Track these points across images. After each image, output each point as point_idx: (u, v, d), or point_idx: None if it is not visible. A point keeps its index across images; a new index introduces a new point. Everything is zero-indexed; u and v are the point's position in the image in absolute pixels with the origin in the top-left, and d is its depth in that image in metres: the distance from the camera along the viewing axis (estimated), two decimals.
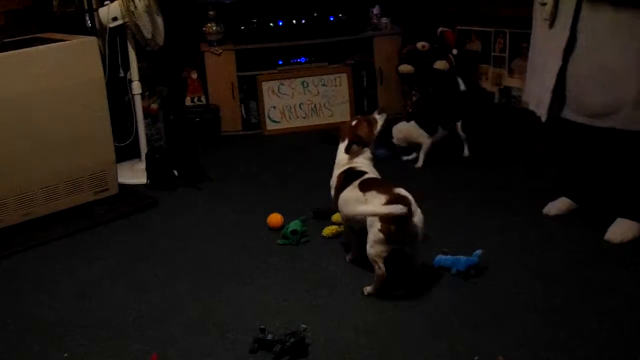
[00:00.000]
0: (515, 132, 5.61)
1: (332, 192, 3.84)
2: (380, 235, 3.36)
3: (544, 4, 3.77)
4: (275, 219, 4.31)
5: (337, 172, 3.85)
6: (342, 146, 3.86)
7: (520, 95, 5.83)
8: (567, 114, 3.82)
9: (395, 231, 3.33)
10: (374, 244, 3.41)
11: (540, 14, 3.87)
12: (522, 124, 5.66)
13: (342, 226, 4.05)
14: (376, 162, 3.88)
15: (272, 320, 3.28)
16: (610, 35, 3.56)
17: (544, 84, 3.85)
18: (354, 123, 3.87)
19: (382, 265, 3.43)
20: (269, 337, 3.06)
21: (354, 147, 3.80)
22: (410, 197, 3.43)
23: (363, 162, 3.82)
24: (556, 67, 3.74)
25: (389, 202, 3.37)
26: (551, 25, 3.76)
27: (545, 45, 3.84)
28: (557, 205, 4.26)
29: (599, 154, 3.98)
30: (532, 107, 4.03)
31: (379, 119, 3.88)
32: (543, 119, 3.91)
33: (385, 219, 3.34)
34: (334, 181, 3.85)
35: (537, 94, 3.94)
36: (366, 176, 3.70)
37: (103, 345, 3.23)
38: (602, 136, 3.80)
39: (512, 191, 4.66)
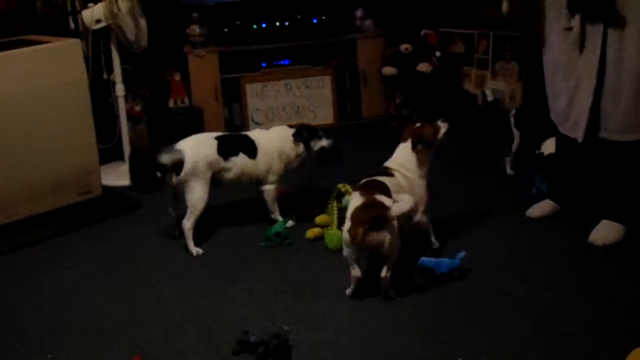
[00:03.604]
0: (497, 134, 5.61)
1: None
2: (347, 236, 3.36)
3: (569, 29, 3.75)
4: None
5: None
6: (404, 146, 3.83)
7: (503, 97, 5.86)
8: (604, 133, 3.80)
9: (361, 235, 3.29)
10: (344, 245, 3.42)
11: (563, 40, 3.83)
12: (505, 126, 5.68)
13: (325, 228, 4.09)
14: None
15: (255, 322, 3.28)
16: (636, 43, 3.58)
17: (579, 105, 3.82)
18: (418, 125, 3.84)
19: (354, 266, 3.42)
20: (252, 339, 3.06)
21: (419, 145, 3.76)
22: (387, 205, 3.38)
23: (407, 168, 3.77)
24: (591, 86, 3.73)
25: (362, 205, 3.37)
26: (581, 49, 3.75)
27: (576, 69, 3.80)
28: (541, 208, 4.27)
29: (583, 157, 3.99)
30: (563, 130, 4.00)
31: (442, 126, 3.85)
32: (580, 140, 3.87)
33: (354, 221, 3.34)
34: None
35: (572, 117, 3.89)
36: (377, 177, 3.64)
37: (86, 348, 3.22)
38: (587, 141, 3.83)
39: (495, 193, 4.68)
